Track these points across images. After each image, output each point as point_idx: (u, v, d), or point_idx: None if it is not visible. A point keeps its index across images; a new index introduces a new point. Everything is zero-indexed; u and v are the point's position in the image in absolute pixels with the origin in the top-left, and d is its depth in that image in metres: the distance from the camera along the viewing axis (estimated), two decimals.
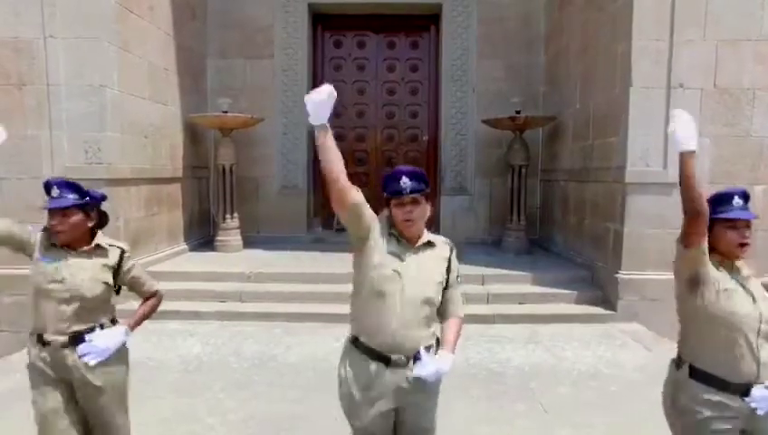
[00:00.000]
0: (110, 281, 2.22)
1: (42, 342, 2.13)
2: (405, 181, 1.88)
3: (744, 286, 1.85)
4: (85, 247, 2.19)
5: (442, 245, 2.03)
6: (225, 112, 6.77)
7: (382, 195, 1.98)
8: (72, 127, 5.09)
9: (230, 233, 6.91)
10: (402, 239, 1.93)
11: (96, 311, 2.19)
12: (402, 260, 1.89)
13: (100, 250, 2.22)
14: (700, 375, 1.84)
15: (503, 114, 6.85)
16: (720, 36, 4.89)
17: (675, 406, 1.92)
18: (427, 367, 1.83)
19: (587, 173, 5.98)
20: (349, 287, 2.03)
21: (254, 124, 7.09)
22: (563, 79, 6.85)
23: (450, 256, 2.02)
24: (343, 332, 2.16)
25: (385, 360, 1.88)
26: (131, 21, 5.63)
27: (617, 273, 5.11)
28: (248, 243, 7.08)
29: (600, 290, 5.37)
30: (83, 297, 2.12)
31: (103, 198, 2.31)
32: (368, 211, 1.87)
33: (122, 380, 2.27)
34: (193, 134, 7.21)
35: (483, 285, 5.57)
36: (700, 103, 4.97)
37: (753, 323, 1.77)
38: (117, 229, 5.31)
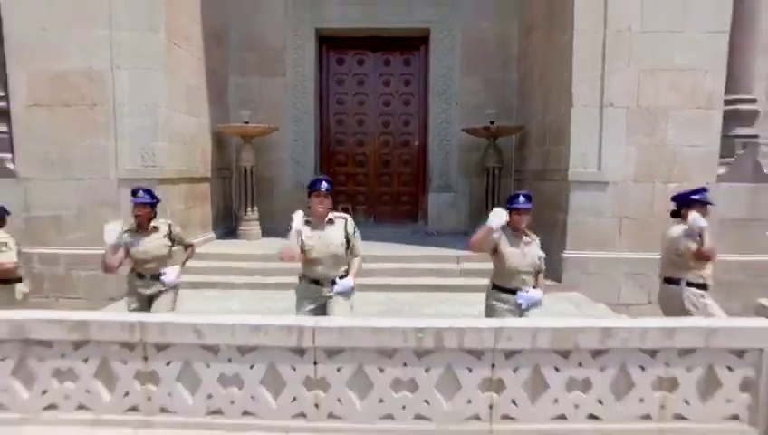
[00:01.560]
0: (169, 244, 4.17)
1: (140, 276, 4.06)
2: (323, 184, 3.59)
3: (521, 248, 3.65)
4: (148, 228, 4.07)
5: (339, 221, 3.70)
6: (247, 123, 8.28)
7: (309, 190, 3.69)
8: (132, 138, 6.60)
9: (251, 224, 8.41)
10: (312, 223, 3.63)
11: (164, 260, 4.17)
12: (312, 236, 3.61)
13: (155, 230, 4.12)
14: (496, 286, 3.80)
15: (481, 124, 8.35)
16: (641, 67, 6.36)
17: (485, 304, 3.90)
18: (338, 286, 3.67)
19: (544, 173, 7.47)
20: None
21: (270, 132, 8.59)
22: (530, 95, 8.33)
23: (345, 225, 3.70)
24: None
25: (316, 282, 3.68)
26: (174, 51, 7.13)
27: (562, 253, 6.59)
28: (266, 232, 8.56)
29: (550, 266, 6.83)
30: (158, 256, 4.09)
31: (159, 200, 4.23)
32: (295, 242, 3.55)
33: (173, 294, 4.20)
34: (219, 141, 8.71)
35: (458, 263, 7.06)
36: (626, 119, 6.44)
37: (520, 267, 3.69)
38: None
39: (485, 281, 6.66)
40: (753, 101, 6.66)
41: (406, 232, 9.13)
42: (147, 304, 4.10)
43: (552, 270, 6.71)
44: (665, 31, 6.30)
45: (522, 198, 3.68)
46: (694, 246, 3.91)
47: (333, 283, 3.68)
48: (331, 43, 9.78)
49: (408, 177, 9.97)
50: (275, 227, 8.97)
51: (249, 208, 8.45)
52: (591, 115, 6.46)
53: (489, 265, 6.91)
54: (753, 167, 6.56)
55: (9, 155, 6.68)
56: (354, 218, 8.81)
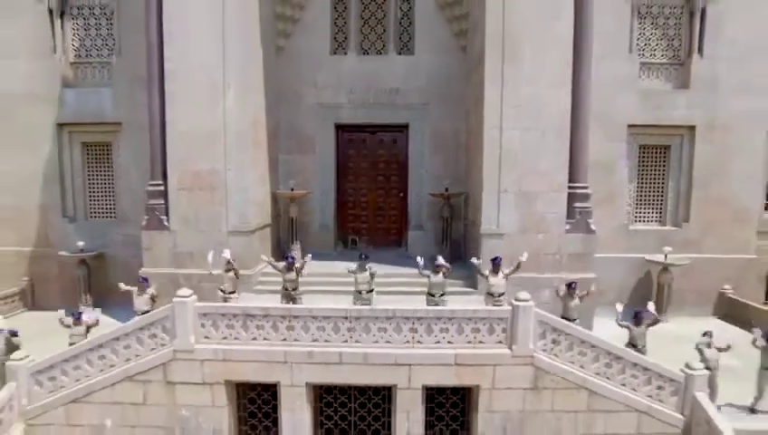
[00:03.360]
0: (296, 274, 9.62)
1: (285, 289, 9.25)
2: (361, 260, 9.40)
3: (437, 278, 9.28)
4: (293, 269, 9.55)
5: (367, 269, 9.56)
6: (293, 190, 13.57)
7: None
8: (235, 207, 11.92)
9: (296, 250, 13.69)
10: (359, 269, 9.64)
11: (296, 282, 9.68)
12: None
13: (294, 269, 9.55)
14: (427, 292, 9.21)
15: (439, 189, 13.65)
16: (522, 169, 11.63)
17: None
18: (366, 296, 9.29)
19: (474, 224, 12.76)
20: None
21: (307, 194, 13.88)
22: (469, 173, 13.63)
23: (369, 270, 9.67)
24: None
25: (359, 293, 9.25)
26: (256, 153, 12.45)
27: (478, 274, 11.85)
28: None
29: (473, 280, 12.10)
30: (294, 280, 9.53)
31: (294, 259, 9.57)
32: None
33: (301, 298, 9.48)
34: (274, 200, 14.03)
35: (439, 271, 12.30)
36: (514, 198, 11.73)
37: (434, 286, 9.30)
38: (253, 253, 12.12)
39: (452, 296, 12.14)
40: (586, 187, 11.94)
41: (393, 255, 14.41)
42: (289, 300, 9.56)
43: (473, 283, 12.03)
44: (535, 149, 11.56)
45: (439, 259, 9.03)
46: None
47: (363, 293, 9.36)
48: (344, 129, 15.06)
49: (395, 218, 15.30)
50: (310, 253, 14.30)
51: (293, 243, 13.73)
52: (494, 196, 11.74)
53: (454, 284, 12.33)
54: (586, 225, 11.84)
55: (165, 217, 11.99)
56: (358, 246, 14.57)
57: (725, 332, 11.73)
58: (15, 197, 14.76)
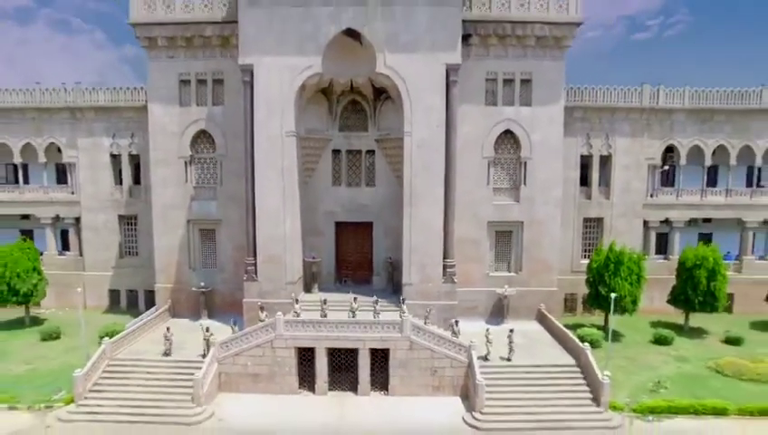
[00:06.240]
0: None
1: (322, 310, 23.96)
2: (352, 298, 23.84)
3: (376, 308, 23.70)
4: (326, 304, 24.02)
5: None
6: (314, 258, 28.15)
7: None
8: (289, 270, 26.45)
9: (315, 287, 28.22)
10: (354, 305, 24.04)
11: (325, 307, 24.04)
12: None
13: (325, 304, 24.01)
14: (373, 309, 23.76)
15: (386, 256, 28.37)
16: (420, 253, 26.15)
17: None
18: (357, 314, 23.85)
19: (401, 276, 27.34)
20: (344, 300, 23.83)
21: (321, 260, 28.45)
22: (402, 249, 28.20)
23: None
24: (341, 312, 23.81)
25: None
26: (296, 244, 26.95)
27: (401, 302, 26.44)
28: (320, 290, 28.34)
29: (398, 304, 26.60)
30: (324, 308, 23.89)
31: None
32: None
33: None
34: (304, 262, 28.56)
35: (376, 303, 26.85)
36: (417, 267, 26.26)
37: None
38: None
39: (381, 307, 26.84)
40: (453, 260, 26.48)
41: (366, 288, 29.01)
42: (323, 315, 23.83)
43: (398, 306, 26.71)
44: (426, 244, 26.11)
45: (378, 300, 23.61)
46: None
47: (354, 312, 23.86)
48: (339, 224, 29.64)
49: (366, 269, 29.98)
50: (324, 289, 28.95)
51: (314, 284, 28.26)
52: (408, 265, 26.46)
53: (383, 302, 27.31)
54: (452, 279, 26.45)
55: (255, 275, 26.53)
56: (348, 283, 31.20)
57: (540, 331, 26.27)
58: (166, 257, 29.34)
